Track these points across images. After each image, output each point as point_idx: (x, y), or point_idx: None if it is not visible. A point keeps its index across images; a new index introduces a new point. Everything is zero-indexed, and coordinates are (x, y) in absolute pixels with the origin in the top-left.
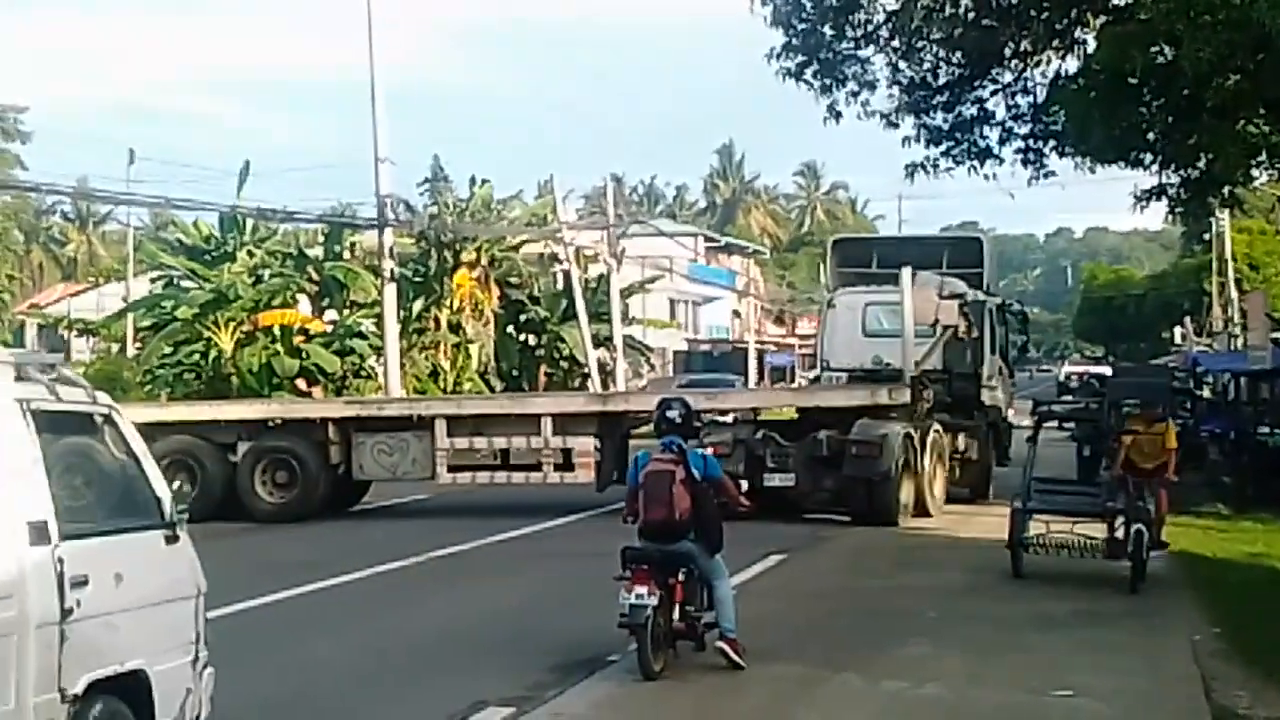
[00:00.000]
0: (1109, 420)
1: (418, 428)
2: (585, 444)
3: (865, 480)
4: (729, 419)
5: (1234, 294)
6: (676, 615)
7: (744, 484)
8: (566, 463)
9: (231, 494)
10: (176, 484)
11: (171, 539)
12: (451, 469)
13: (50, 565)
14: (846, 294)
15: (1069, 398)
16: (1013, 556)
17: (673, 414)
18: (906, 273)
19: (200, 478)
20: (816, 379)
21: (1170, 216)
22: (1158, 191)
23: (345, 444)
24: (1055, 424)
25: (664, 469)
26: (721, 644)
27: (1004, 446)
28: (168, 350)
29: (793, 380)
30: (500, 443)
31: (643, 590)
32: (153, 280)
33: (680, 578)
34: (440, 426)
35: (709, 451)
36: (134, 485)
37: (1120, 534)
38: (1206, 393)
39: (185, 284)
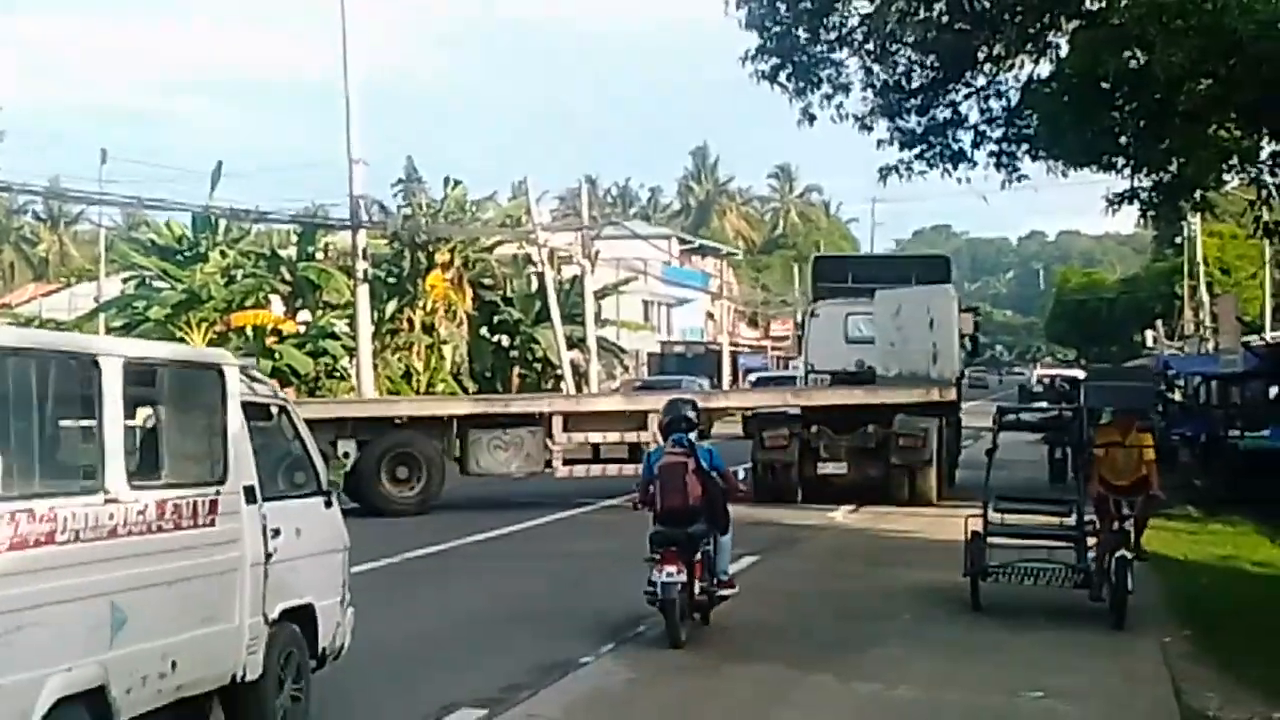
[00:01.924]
0: (1089, 430)
1: (533, 424)
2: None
3: (909, 468)
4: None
5: (1205, 297)
6: (697, 590)
7: (740, 472)
8: None
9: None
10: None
11: (328, 504)
12: (567, 462)
13: (258, 519)
14: (827, 305)
15: (1040, 404)
16: (972, 588)
17: (683, 412)
18: (950, 289)
19: None
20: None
21: (1142, 220)
22: (1130, 195)
23: (463, 440)
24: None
25: (677, 461)
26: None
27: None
28: None
29: None
30: (613, 437)
31: (672, 569)
32: (125, 280)
33: (699, 558)
34: (558, 422)
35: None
36: (302, 461)
37: (1094, 564)
38: (1178, 396)
39: (157, 284)
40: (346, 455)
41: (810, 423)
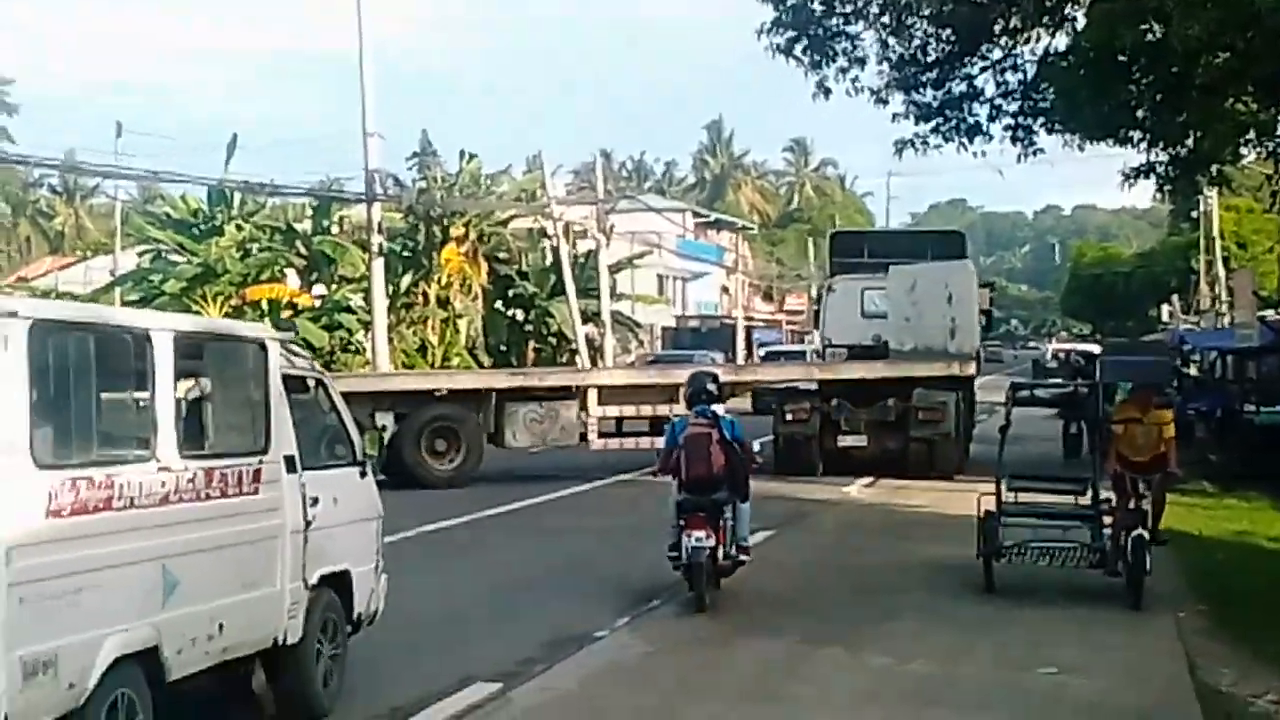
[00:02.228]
0: (1105, 405)
1: (569, 397)
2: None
3: (928, 440)
4: None
5: (1221, 272)
6: (721, 555)
7: (756, 444)
8: None
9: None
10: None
11: (363, 474)
12: (603, 435)
13: (298, 487)
14: (844, 280)
15: (1055, 380)
16: (985, 569)
17: (706, 385)
18: (969, 264)
19: None
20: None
21: (1158, 194)
22: (1146, 169)
23: (499, 413)
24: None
25: (702, 432)
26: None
27: None
28: None
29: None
30: (647, 410)
31: (701, 534)
32: (140, 254)
33: (723, 524)
34: (593, 395)
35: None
36: (338, 432)
37: (1109, 543)
38: (1193, 371)
39: (173, 258)
40: (384, 428)
41: (830, 396)
